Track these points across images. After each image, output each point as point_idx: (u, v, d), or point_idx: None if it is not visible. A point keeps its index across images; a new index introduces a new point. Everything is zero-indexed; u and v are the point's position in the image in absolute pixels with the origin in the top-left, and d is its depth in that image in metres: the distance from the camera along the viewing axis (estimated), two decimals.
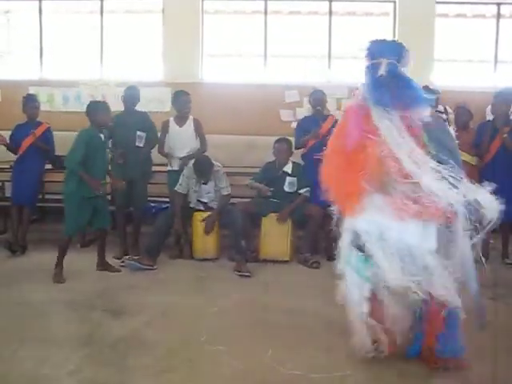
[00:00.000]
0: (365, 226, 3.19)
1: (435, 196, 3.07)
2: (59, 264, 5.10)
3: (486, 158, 5.89)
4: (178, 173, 5.89)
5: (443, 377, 3.20)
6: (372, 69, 3.33)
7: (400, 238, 3.12)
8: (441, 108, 6.96)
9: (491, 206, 3.06)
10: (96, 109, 5.23)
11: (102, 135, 5.22)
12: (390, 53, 3.36)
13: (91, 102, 5.48)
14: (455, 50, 8.30)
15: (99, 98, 7.93)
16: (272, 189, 5.93)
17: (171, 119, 6.18)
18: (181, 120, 6.12)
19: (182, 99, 6.10)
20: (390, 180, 3.15)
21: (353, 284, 3.27)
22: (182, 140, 6.05)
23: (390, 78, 3.27)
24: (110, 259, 5.56)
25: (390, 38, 8.12)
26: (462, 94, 6.76)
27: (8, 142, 6.12)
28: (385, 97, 3.26)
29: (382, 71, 3.28)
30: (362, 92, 3.37)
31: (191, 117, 6.15)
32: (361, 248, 3.21)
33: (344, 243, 3.31)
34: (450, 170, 3.10)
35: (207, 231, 5.71)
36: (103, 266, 5.39)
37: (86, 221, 5.19)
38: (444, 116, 6.74)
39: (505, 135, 5.80)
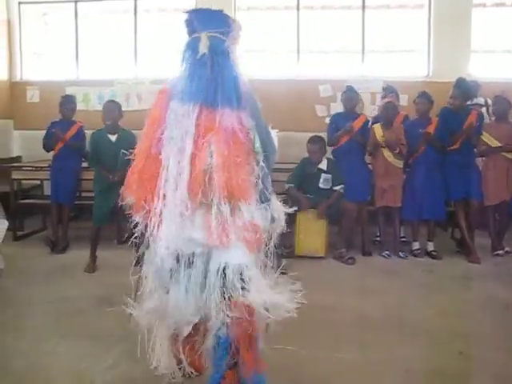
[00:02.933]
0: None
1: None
2: (91, 255, 5.40)
3: None
4: None
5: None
6: (191, 46, 2.61)
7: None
8: (481, 100, 6.79)
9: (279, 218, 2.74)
10: (103, 108, 5.42)
11: (112, 136, 5.32)
12: (215, 24, 2.64)
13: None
14: (493, 41, 8.09)
15: (134, 97, 8.05)
16: (310, 196, 5.89)
17: None
18: None
19: None
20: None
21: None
22: None
23: (212, 57, 2.54)
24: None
25: (424, 31, 8.14)
26: (501, 85, 6.56)
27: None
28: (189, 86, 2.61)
29: (203, 48, 2.55)
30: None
31: None
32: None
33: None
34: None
35: None
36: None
37: (105, 213, 5.28)
38: (484, 108, 6.59)
39: None
